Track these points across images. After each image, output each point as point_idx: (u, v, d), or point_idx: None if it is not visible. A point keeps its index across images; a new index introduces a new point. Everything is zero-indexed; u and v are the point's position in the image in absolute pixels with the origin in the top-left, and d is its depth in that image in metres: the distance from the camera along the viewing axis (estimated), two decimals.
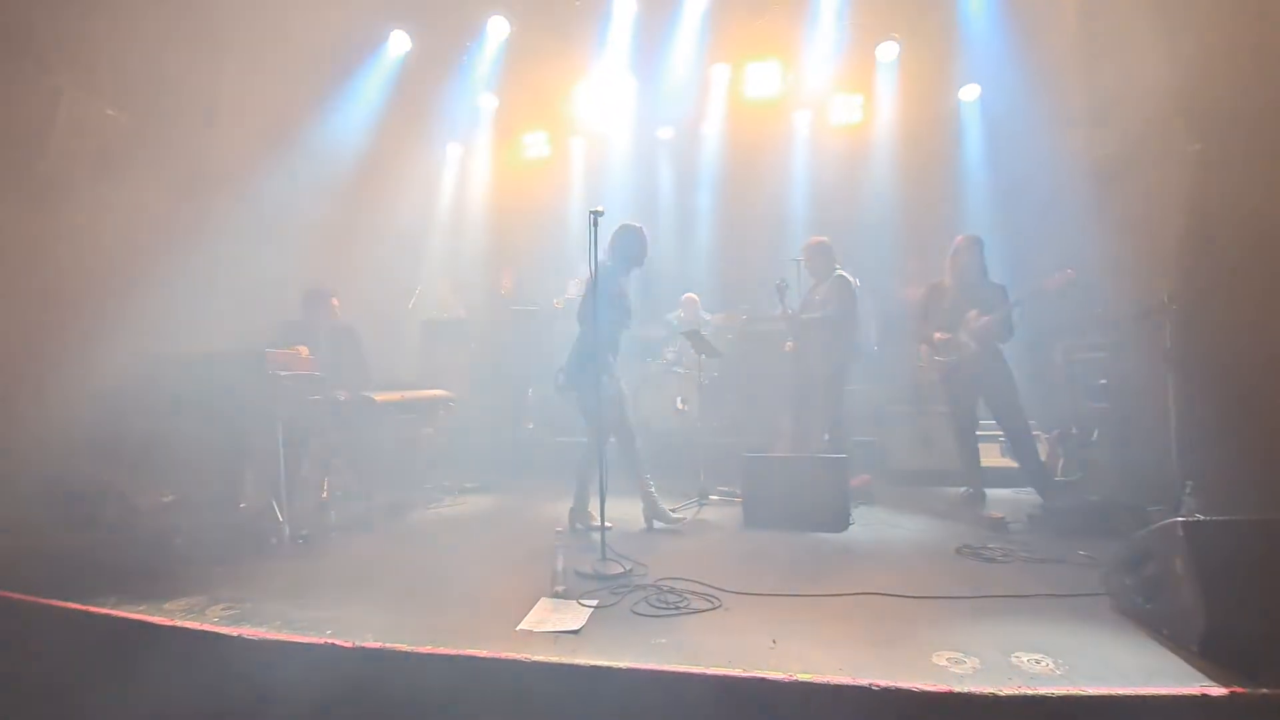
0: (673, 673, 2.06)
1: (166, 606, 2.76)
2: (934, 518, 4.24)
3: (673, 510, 4.30)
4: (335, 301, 4.92)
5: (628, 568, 3.17)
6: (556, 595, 2.80)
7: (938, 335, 4.48)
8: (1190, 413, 3.98)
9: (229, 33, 5.58)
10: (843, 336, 4.76)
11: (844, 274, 4.83)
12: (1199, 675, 2.00)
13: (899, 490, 5.09)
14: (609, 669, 2.09)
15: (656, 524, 4.12)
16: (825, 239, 5.03)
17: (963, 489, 4.68)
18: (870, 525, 4.07)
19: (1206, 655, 2.08)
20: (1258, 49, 3.26)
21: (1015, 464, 5.11)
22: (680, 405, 6.26)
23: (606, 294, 3.83)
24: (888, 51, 6.73)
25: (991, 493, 4.64)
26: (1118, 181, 4.48)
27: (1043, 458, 4.77)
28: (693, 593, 2.82)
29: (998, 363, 4.37)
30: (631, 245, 4.11)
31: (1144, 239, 4.26)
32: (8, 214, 4.31)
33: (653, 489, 4.13)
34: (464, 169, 8.47)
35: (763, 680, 2.01)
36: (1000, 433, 5.30)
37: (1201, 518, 2.41)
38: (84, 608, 2.67)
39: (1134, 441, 4.45)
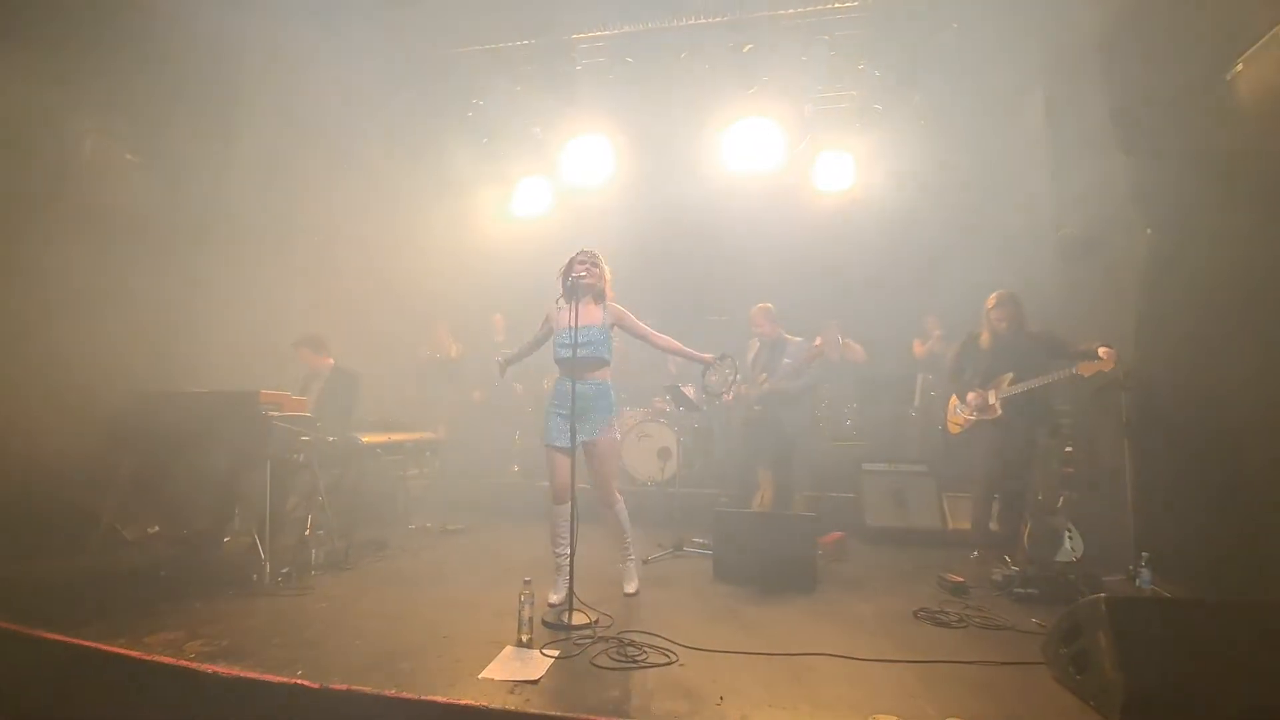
0: None
1: (147, 640, 2.87)
2: (899, 578, 4.33)
3: (644, 560, 4.43)
4: (317, 352, 5.04)
5: (594, 619, 3.28)
6: (521, 644, 2.92)
7: (971, 395, 4.55)
8: (1147, 484, 4.13)
9: (245, 86, 5.93)
10: (805, 403, 5.14)
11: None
12: None
13: (872, 548, 5.19)
14: (558, 719, 2.20)
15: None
16: (770, 305, 5.25)
17: (973, 553, 4.73)
18: (837, 584, 4.17)
19: None
20: (1197, 150, 3.54)
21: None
22: (665, 454, 6.39)
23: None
24: (874, 120, 7.07)
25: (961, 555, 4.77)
26: (1080, 261, 4.73)
27: None
28: (652, 646, 2.93)
29: (1022, 429, 4.37)
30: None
31: (1103, 315, 4.47)
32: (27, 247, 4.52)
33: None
34: (463, 215, 8.78)
35: None
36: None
37: (1125, 595, 2.54)
38: (62, 638, 2.78)
39: (1095, 511, 4.58)
